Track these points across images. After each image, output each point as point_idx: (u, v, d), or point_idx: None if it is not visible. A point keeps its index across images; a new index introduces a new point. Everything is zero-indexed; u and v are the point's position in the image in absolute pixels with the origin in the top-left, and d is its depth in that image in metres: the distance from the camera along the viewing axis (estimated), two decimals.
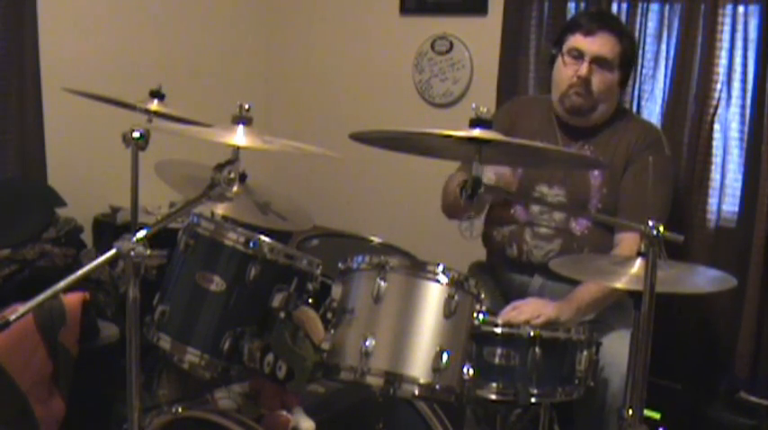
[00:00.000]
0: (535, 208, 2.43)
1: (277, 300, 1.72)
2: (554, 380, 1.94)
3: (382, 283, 1.66)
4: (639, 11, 2.84)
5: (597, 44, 2.32)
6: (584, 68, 2.32)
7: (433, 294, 1.67)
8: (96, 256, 1.41)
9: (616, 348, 2.11)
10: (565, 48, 2.37)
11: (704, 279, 1.85)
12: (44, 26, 2.98)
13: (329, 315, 1.70)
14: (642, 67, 2.85)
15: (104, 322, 2.67)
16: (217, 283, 1.74)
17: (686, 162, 2.77)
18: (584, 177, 2.40)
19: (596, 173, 2.39)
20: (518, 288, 2.43)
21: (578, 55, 2.34)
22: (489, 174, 2.23)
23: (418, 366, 1.62)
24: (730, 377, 2.65)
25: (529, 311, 2.06)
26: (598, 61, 2.33)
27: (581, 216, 2.41)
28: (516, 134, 2.32)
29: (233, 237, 1.74)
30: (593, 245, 2.36)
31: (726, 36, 2.69)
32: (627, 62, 2.41)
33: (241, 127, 1.64)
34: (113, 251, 1.38)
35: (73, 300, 2.42)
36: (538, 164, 2.21)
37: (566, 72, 2.36)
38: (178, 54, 3.49)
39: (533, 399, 1.91)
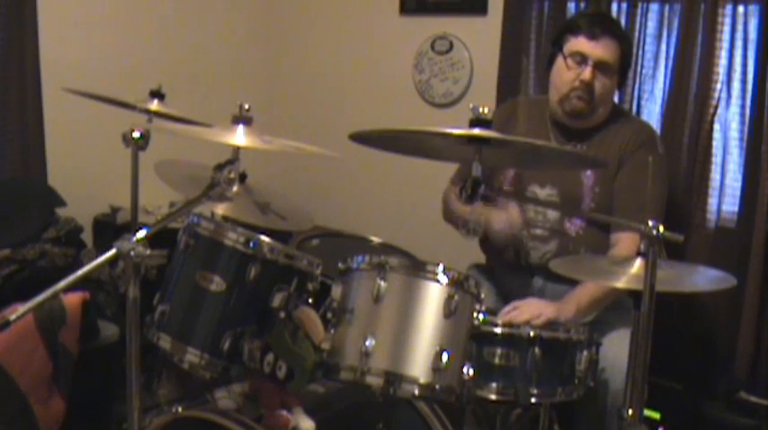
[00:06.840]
0: (530, 210, 2.43)
1: (277, 299, 1.72)
2: (554, 380, 1.94)
3: (382, 283, 1.65)
4: (639, 11, 2.84)
5: (600, 48, 2.31)
6: (587, 73, 2.31)
7: (433, 294, 1.66)
8: (96, 256, 1.41)
9: (616, 348, 2.12)
10: (566, 50, 2.35)
11: (704, 279, 1.85)
12: (44, 26, 2.98)
13: (329, 315, 1.70)
14: (642, 67, 2.85)
15: (104, 322, 2.67)
16: (217, 283, 1.73)
17: (686, 162, 2.76)
18: (575, 177, 2.39)
19: (588, 172, 2.38)
20: (518, 290, 2.42)
21: (581, 59, 2.32)
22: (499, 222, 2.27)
23: (418, 366, 1.62)
24: (730, 377, 2.65)
25: (529, 311, 2.06)
26: (600, 66, 2.32)
27: (578, 216, 2.40)
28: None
29: (233, 237, 1.74)
30: (588, 245, 2.36)
31: (726, 36, 2.69)
32: (625, 65, 2.41)
33: (241, 127, 1.65)
34: (113, 251, 1.38)
35: (73, 300, 2.43)
36: (536, 164, 2.20)
37: (568, 75, 2.34)
38: (178, 54, 3.49)
39: (533, 399, 1.91)
